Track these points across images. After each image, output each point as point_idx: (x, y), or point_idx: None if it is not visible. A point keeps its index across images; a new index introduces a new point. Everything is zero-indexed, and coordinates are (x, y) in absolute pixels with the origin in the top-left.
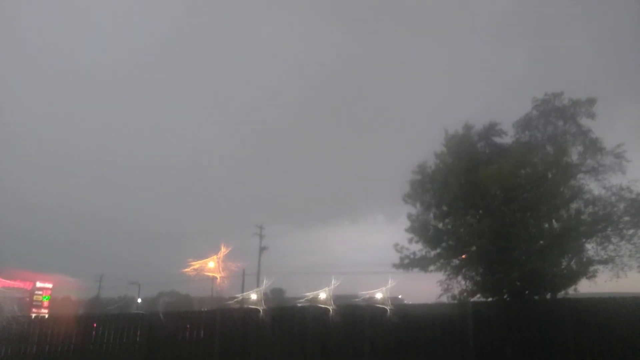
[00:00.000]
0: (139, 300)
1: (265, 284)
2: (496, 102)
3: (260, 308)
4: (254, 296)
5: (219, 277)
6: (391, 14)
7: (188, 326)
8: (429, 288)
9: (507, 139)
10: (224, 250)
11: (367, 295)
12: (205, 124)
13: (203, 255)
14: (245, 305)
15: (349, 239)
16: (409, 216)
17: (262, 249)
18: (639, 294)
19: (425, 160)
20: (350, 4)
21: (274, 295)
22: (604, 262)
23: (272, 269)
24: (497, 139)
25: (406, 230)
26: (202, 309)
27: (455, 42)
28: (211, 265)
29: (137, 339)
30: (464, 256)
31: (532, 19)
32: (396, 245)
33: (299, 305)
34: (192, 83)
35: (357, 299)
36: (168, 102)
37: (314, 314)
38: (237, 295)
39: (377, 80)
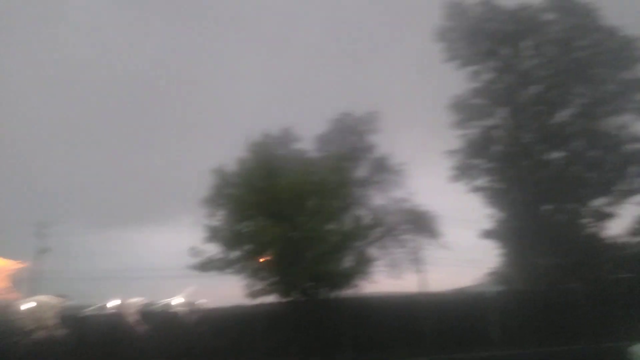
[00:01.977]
0: None
1: (45, 289)
2: (310, 114)
3: (34, 318)
4: (31, 304)
5: None
6: (218, 16)
7: None
8: (232, 292)
9: (308, 149)
10: None
11: (167, 301)
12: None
13: None
14: (21, 316)
15: (153, 241)
16: (207, 219)
17: (43, 250)
18: (406, 292)
19: (225, 165)
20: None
21: (58, 303)
22: (376, 261)
23: (58, 273)
24: (296, 147)
25: (203, 232)
26: None
27: (278, 53)
28: None
29: None
30: (262, 259)
31: (346, 41)
32: (192, 249)
33: (84, 314)
34: None
35: (155, 305)
36: None
37: (99, 323)
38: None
39: (199, 80)
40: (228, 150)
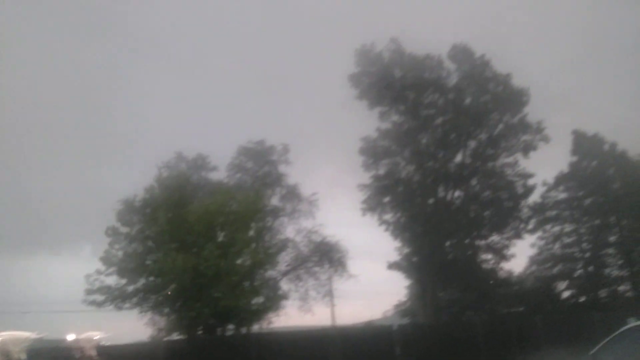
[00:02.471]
0: None
1: None
2: (223, 143)
3: None
4: None
5: None
6: (131, 40)
7: None
8: (134, 328)
9: (222, 177)
10: None
11: (60, 337)
12: None
13: None
14: None
15: (48, 271)
16: (108, 248)
17: None
18: (316, 326)
19: (135, 195)
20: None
21: None
22: (287, 294)
23: None
24: (211, 174)
25: (102, 262)
26: None
27: (192, 81)
28: None
29: None
30: (169, 292)
31: (261, 74)
32: (88, 276)
33: None
34: None
35: (47, 341)
36: None
37: None
38: None
39: (109, 103)
40: (136, 177)
